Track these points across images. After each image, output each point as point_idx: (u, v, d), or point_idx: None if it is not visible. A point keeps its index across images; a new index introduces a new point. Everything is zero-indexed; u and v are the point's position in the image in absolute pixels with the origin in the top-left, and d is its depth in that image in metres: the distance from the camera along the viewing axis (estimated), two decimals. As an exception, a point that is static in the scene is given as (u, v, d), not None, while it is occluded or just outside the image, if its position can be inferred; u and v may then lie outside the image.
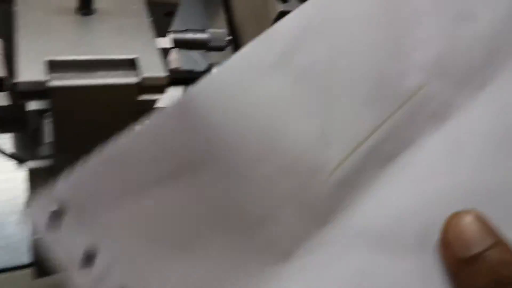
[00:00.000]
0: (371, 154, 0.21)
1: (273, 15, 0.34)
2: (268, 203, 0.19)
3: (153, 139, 0.17)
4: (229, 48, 0.36)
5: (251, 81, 0.18)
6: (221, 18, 0.42)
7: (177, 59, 0.36)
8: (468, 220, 0.20)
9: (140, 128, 0.16)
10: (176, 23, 0.41)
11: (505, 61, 0.25)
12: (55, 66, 0.19)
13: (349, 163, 0.21)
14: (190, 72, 0.36)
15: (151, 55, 0.21)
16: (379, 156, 0.22)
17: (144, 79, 0.20)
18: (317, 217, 0.20)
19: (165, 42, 0.32)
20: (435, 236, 0.20)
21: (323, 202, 0.20)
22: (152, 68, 0.21)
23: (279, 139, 0.19)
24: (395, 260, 0.20)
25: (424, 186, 0.22)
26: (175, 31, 0.33)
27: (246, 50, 0.18)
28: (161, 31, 0.27)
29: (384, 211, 0.21)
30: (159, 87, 0.21)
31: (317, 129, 0.20)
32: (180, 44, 0.33)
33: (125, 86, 0.20)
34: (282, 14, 0.33)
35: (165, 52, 0.32)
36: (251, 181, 0.18)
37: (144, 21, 0.22)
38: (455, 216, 0.21)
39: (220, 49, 0.34)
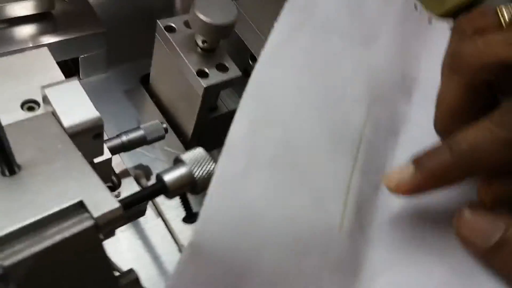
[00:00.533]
0: (362, 190, 0.23)
1: (200, 92, 0.34)
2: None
3: None
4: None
5: (240, 193, 0.20)
6: (152, 109, 0.41)
7: (120, 162, 0.35)
8: (471, 213, 0.20)
9: None
10: (112, 129, 0.40)
11: (416, 68, 0.28)
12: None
13: (349, 210, 0.22)
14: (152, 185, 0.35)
15: (95, 189, 0.20)
16: (369, 187, 0.23)
17: (99, 217, 0.19)
18: (350, 270, 0.21)
19: (102, 156, 0.31)
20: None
21: (346, 255, 0.21)
22: (103, 203, 0.20)
23: (286, 231, 0.20)
24: (431, 271, 0.21)
25: None
26: (109, 139, 0.32)
27: (219, 171, 0.20)
28: (95, 153, 0.26)
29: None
30: (118, 217, 0.20)
31: (309, 197, 0.21)
32: (118, 150, 0.32)
33: (83, 233, 0.19)
34: (207, 90, 0.33)
35: (106, 164, 0.31)
36: (280, 280, 0.19)
37: (75, 157, 0.21)
38: (459, 214, 0.21)
39: (160, 138, 0.34)
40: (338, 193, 0.22)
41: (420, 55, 0.28)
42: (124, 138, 0.32)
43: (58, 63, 0.29)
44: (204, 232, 0.18)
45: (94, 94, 0.42)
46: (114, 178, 0.35)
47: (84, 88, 0.42)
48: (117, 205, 0.20)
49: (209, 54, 0.35)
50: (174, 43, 0.35)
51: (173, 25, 0.36)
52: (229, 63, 0.35)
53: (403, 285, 0.20)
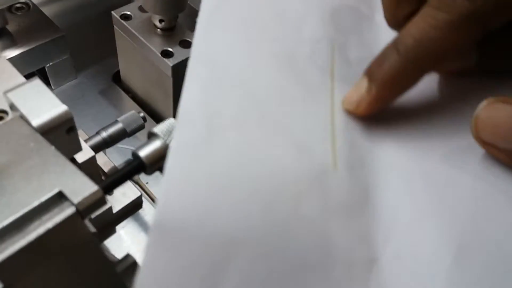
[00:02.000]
0: (348, 130, 0.21)
1: (169, 72, 0.33)
2: (311, 236, 0.17)
3: (163, 277, 0.15)
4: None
5: (203, 159, 0.18)
6: (129, 104, 0.41)
7: (107, 161, 0.35)
8: (493, 112, 0.18)
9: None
10: (93, 126, 0.40)
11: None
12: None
13: (341, 145, 0.20)
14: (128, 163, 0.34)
15: (72, 177, 0.20)
16: (354, 127, 0.21)
17: (80, 203, 0.19)
18: (359, 203, 0.19)
19: (84, 154, 0.30)
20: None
21: (350, 189, 0.19)
22: (82, 188, 0.19)
23: (269, 185, 0.18)
24: (459, 192, 0.19)
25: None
26: (89, 138, 0.32)
27: (176, 143, 0.18)
28: (72, 148, 0.25)
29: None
30: (99, 200, 0.19)
31: (292, 147, 0.19)
32: (100, 147, 0.32)
33: (67, 221, 0.19)
34: (175, 69, 0.33)
35: (91, 163, 0.31)
36: (278, 234, 0.17)
37: (49, 151, 0.21)
38: (478, 117, 0.18)
39: (140, 128, 0.33)
40: (321, 132, 0.20)
41: None
42: (104, 134, 0.32)
43: (26, 77, 0.29)
44: (169, 209, 0.16)
45: (70, 101, 0.42)
46: (103, 177, 0.35)
47: (58, 97, 0.42)
48: (95, 188, 0.19)
49: (170, 33, 0.34)
50: (132, 30, 0.34)
51: (128, 12, 0.35)
52: (192, 38, 0.34)
53: (421, 218, 0.18)
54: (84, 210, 0.19)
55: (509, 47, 0.21)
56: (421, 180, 0.19)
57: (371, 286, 0.17)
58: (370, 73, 0.20)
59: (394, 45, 0.19)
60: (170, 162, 0.17)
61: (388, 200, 0.19)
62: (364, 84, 0.20)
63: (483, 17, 0.18)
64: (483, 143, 0.19)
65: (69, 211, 0.19)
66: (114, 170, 0.35)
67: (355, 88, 0.20)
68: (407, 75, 0.19)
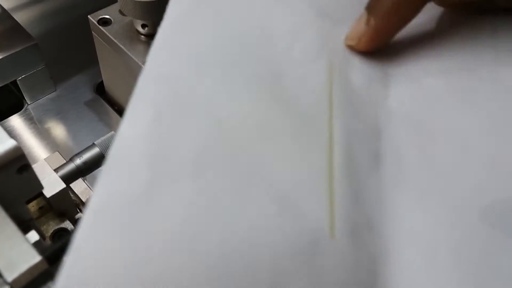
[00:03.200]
0: (351, 178, 0.15)
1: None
2: None
3: None
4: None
5: (136, 226, 0.12)
6: (115, 118, 0.36)
7: (85, 188, 0.30)
8: None
9: None
10: (73, 147, 0.35)
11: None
12: None
13: (340, 206, 0.14)
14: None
15: (10, 245, 0.15)
16: (359, 175, 0.16)
17: (17, 280, 0.14)
18: (360, 280, 0.14)
19: (54, 187, 0.26)
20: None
21: (350, 266, 0.14)
22: (20, 259, 0.15)
23: (243, 255, 0.12)
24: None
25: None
26: (60, 167, 0.27)
27: (99, 198, 0.12)
28: (28, 189, 0.21)
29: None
30: (42, 274, 0.15)
31: (272, 207, 0.13)
32: (74, 176, 0.28)
33: (-2, 306, 0.14)
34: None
35: (62, 197, 0.26)
36: None
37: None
38: None
39: (121, 151, 0.29)
40: (315, 181, 0.14)
41: None
42: (78, 161, 0.28)
43: (2, 93, 0.24)
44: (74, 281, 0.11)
45: (48, 117, 0.38)
46: (82, 207, 0.30)
47: (36, 112, 0.38)
48: (37, 259, 0.15)
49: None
50: (111, 37, 0.29)
51: (107, 16, 0.30)
52: (181, 45, 0.29)
53: None
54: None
55: None
56: (449, 254, 0.14)
57: None
58: (369, 7, 0.19)
59: None
60: (83, 225, 0.12)
61: (402, 282, 0.13)
62: (364, 18, 0.19)
63: None
64: None
65: (1, 292, 0.14)
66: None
67: (356, 23, 0.19)
68: (405, 5, 0.19)
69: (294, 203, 0.14)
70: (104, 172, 0.12)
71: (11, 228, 0.16)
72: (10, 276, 0.14)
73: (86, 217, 0.12)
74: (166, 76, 0.15)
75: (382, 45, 0.19)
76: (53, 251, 0.16)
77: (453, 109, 0.17)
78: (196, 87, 0.16)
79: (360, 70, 0.19)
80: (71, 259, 0.11)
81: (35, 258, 0.15)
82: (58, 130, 0.36)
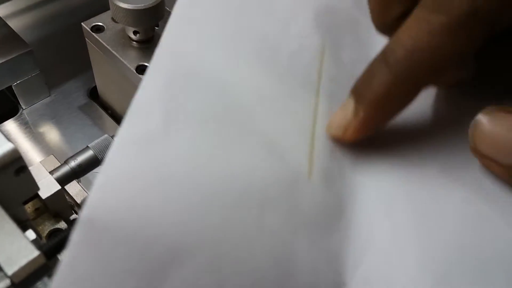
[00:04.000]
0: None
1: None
2: (271, 250, 0.15)
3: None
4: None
5: (152, 157, 0.15)
6: (108, 122, 0.37)
7: (80, 190, 0.31)
8: (491, 124, 0.16)
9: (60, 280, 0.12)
10: (68, 149, 0.36)
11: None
12: None
13: (318, 152, 0.17)
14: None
15: (9, 240, 0.16)
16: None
17: (15, 274, 0.15)
18: (331, 219, 0.16)
19: (49, 188, 0.27)
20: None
21: (324, 201, 0.16)
22: (19, 254, 0.16)
23: (229, 186, 0.15)
24: (446, 211, 0.16)
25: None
26: (55, 169, 0.28)
27: (122, 135, 0.15)
28: (25, 191, 0.22)
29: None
30: (41, 268, 0.16)
31: (262, 149, 0.16)
32: (69, 178, 0.28)
33: (-1, 298, 0.15)
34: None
35: (57, 198, 0.27)
36: (234, 245, 0.14)
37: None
38: (476, 128, 0.16)
39: (114, 154, 0.30)
40: (300, 135, 0.17)
41: None
42: (73, 163, 0.28)
43: None
44: (102, 205, 0.13)
45: (43, 121, 0.38)
46: (77, 209, 0.31)
47: (31, 117, 0.39)
48: (35, 253, 0.16)
49: (147, 45, 0.30)
50: (104, 44, 0.30)
51: (100, 23, 0.31)
52: (172, 51, 0.30)
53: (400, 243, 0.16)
54: (21, 283, 0.16)
55: (510, 56, 0.18)
56: (405, 199, 0.16)
57: None
58: (356, 92, 0.17)
59: (382, 58, 0.16)
60: (112, 152, 0.14)
61: (364, 218, 0.16)
62: (350, 106, 0.17)
63: (486, 18, 0.15)
64: (481, 156, 0.16)
65: (1, 285, 0.15)
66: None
67: (341, 111, 0.17)
68: (400, 93, 0.16)
69: (281, 150, 0.17)
70: (127, 115, 0.15)
71: (10, 225, 0.17)
72: (10, 270, 0.15)
73: (113, 147, 0.14)
74: (179, 51, 0.18)
75: (367, 135, 0.17)
76: (50, 247, 0.17)
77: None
78: (204, 59, 0.18)
79: (349, 49, 0.21)
80: (102, 178, 0.14)
81: (34, 253, 0.16)
82: (52, 134, 0.37)
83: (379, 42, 0.18)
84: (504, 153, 0.15)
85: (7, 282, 0.15)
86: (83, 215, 0.13)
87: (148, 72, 0.17)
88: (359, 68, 0.19)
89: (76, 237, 0.12)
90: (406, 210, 0.16)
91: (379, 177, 0.17)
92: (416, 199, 0.16)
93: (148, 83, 0.16)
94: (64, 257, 0.12)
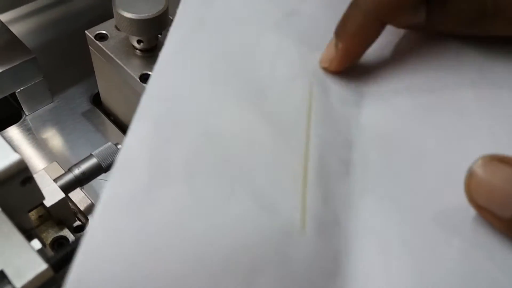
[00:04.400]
0: (323, 170, 0.18)
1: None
2: None
3: None
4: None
5: (133, 223, 0.14)
6: (111, 129, 0.37)
7: (83, 197, 0.31)
8: (487, 174, 0.16)
9: None
10: (71, 156, 0.36)
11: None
12: None
13: (311, 200, 0.17)
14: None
15: (18, 254, 0.16)
16: (330, 179, 0.18)
17: (25, 287, 0.15)
18: (325, 273, 0.16)
19: (53, 196, 0.27)
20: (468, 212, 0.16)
21: (318, 254, 0.16)
22: (27, 267, 0.16)
23: (225, 243, 0.15)
24: (441, 262, 0.16)
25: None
26: (59, 177, 0.28)
27: (105, 200, 0.14)
28: (31, 200, 0.22)
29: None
30: (48, 281, 0.16)
31: (251, 203, 0.16)
32: (73, 186, 0.29)
33: (8, 310, 0.15)
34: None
35: (61, 206, 0.27)
36: None
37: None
38: (472, 178, 0.16)
39: (117, 161, 0.30)
40: (290, 184, 0.17)
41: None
42: (77, 171, 0.29)
43: (1, 104, 0.25)
44: (89, 265, 0.13)
45: (46, 127, 0.39)
46: (80, 216, 0.31)
47: (34, 123, 0.39)
48: (43, 267, 0.16)
49: (151, 54, 0.31)
50: (108, 52, 0.30)
51: (104, 31, 0.31)
52: (175, 59, 0.31)
53: None
54: (29, 295, 0.16)
55: (459, 5, 0.21)
56: (401, 250, 0.16)
57: None
58: (337, 32, 0.21)
59: (355, 3, 0.21)
60: (96, 215, 0.14)
61: (360, 274, 0.16)
62: (333, 42, 0.21)
63: None
64: (478, 207, 0.16)
65: (10, 298, 0.15)
66: (92, 208, 0.32)
67: (327, 47, 0.21)
68: (368, 27, 0.21)
69: (271, 202, 0.16)
70: (112, 174, 0.15)
71: (18, 237, 0.17)
72: (18, 283, 0.15)
73: (98, 209, 0.14)
74: (165, 95, 0.18)
75: (350, 65, 0.21)
76: (58, 260, 0.17)
77: (416, 125, 0.20)
78: (190, 103, 0.18)
79: (336, 90, 0.21)
80: (87, 239, 0.14)
81: (42, 266, 0.16)
82: (55, 140, 0.37)
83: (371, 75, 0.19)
84: (501, 205, 0.15)
85: (16, 295, 0.15)
86: (72, 275, 0.13)
87: (135, 118, 0.17)
88: (348, 108, 0.20)
89: None
90: (403, 264, 0.16)
91: (374, 225, 0.17)
92: (413, 250, 0.16)
93: (133, 131, 0.16)
94: None
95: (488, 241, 0.16)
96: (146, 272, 0.14)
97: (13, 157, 0.20)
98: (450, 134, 0.19)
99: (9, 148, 0.21)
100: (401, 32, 0.23)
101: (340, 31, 0.21)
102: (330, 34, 0.22)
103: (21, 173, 0.21)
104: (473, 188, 0.16)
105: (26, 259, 0.16)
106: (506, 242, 0.16)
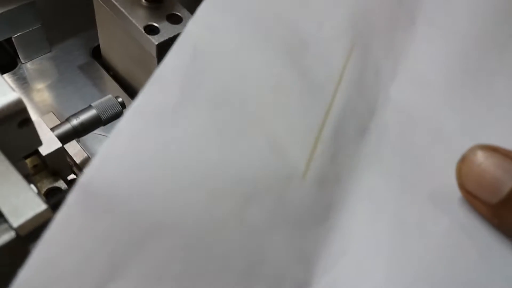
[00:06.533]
0: (338, 131, 0.18)
1: (153, 51, 0.28)
2: (244, 243, 0.15)
3: (68, 247, 0.13)
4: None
5: (160, 132, 0.15)
6: (110, 83, 0.36)
7: (79, 150, 0.30)
8: (480, 160, 0.17)
9: (46, 240, 0.13)
10: (67, 108, 0.35)
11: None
12: None
13: (318, 155, 0.18)
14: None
15: (16, 193, 0.15)
16: (343, 140, 0.19)
17: (21, 227, 0.15)
18: (314, 221, 0.17)
19: (50, 145, 0.26)
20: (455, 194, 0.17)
21: (312, 203, 0.17)
22: (25, 206, 0.15)
23: (224, 173, 0.16)
24: (427, 234, 0.17)
25: None
26: (56, 126, 0.27)
27: (137, 105, 0.15)
28: (28, 144, 0.21)
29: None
30: (47, 222, 0.15)
31: (265, 143, 0.17)
32: (70, 136, 0.28)
33: (3, 250, 0.15)
34: (160, 47, 0.28)
35: (57, 156, 0.27)
36: (212, 230, 0.15)
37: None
38: (464, 163, 0.17)
39: (117, 116, 0.29)
40: (306, 135, 0.18)
41: None
42: (75, 121, 0.28)
43: None
44: (102, 170, 0.14)
45: (42, 78, 0.37)
46: (76, 169, 0.30)
47: (30, 72, 0.37)
48: (43, 207, 0.15)
49: (157, 5, 0.29)
50: (112, 0, 0.29)
51: (109, -22, 0.30)
52: (182, 12, 0.29)
53: (376, 255, 0.17)
54: (26, 236, 0.15)
55: None
56: (391, 218, 0.17)
57: None
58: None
59: None
60: (125, 119, 0.15)
61: (347, 228, 0.17)
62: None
63: None
64: (466, 192, 0.17)
65: (6, 236, 0.15)
66: (88, 161, 0.31)
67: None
68: None
69: (283, 146, 0.17)
70: (147, 84, 0.15)
71: (16, 176, 0.16)
72: (16, 222, 0.15)
73: (127, 114, 0.15)
74: (210, 24, 0.18)
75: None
76: (54, 204, 0.16)
77: (442, 105, 0.20)
78: (232, 37, 0.18)
79: (375, 58, 0.21)
80: (108, 144, 0.14)
81: (41, 206, 0.15)
82: (50, 91, 0.36)
83: (413, 49, 0.19)
84: (489, 191, 0.16)
85: (12, 234, 0.15)
86: (82, 177, 0.13)
87: (177, 42, 0.17)
88: (381, 78, 0.20)
89: (71, 198, 0.13)
90: (389, 231, 0.17)
91: (373, 190, 0.18)
92: (402, 221, 0.17)
93: (174, 54, 0.16)
94: (57, 215, 0.13)
95: (472, 223, 0.17)
96: (154, 184, 0.14)
97: (11, 96, 0.19)
98: (474, 120, 0.19)
99: (8, 87, 0.20)
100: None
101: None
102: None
103: (19, 114, 0.20)
104: (464, 173, 0.17)
105: (25, 198, 0.15)
106: (487, 226, 0.17)
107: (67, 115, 0.29)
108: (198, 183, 0.15)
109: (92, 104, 0.28)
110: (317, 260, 0.16)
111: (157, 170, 0.15)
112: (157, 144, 0.15)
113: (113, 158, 0.14)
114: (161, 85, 0.16)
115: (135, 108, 0.15)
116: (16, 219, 0.15)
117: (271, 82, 0.18)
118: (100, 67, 0.37)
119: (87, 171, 0.13)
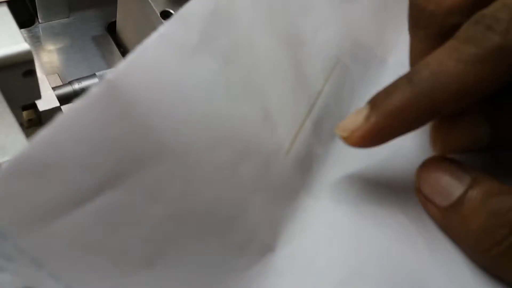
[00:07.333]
0: (317, 128, 0.20)
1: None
2: (232, 194, 0.17)
3: (78, 136, 0.13)
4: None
5: (179, 63, 0.16)
6: (119, 60, 0.37)
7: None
8: (437, 167, 0.18)
9: (58, 123, 0.13)
10: (72, 73, 0.36)
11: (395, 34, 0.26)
12: None
13: (300, 140, 0.20)
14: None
15: (7, 132, 0.16)
16: (321, 134, 0.21)
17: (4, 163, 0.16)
18: (287, 196, 0.19)
19: (48, 103, 0.27)
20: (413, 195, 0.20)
21: (288, 180, 0.19)
22: (14, 147, 0.16)
23: (226, 124, 0.17)
24: (383, 224, 0.19)
25: None
26: (58, 86, 0.28)
27: (163, 32, 0.15)
28: (28, 95, 0.22)
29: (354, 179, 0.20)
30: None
31: (260, 112, 0.18)
32: (69, 98, 0.29)
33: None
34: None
35: (54, 113, 0.28)
36: (209, 171, 0.16)
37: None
38: (423, 168, 0.19)
39: (118, 89, 0.30)
40: (294, 115, 0.20)
41: (400, 20, 0.24)
42: (76, 85, 0.29)
43: (16, 6, 0.25)
44: (127, 73, 0.14)
45: (54, 40, 0.38)
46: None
47: (45, 33, 0.38)
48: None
49: (178, -6, 0.31)
50: (137, -19, 0.30)
51: (137, -40, 0.31)
52: (200, 6, 0.31)
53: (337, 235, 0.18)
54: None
55: None
56: (351, 207, 0.19)
57: (255, 268, 0.17)
58: (373, 101, 0.18)
59: (407, 76, 0.17)
60: (150, 40, 0.15)
61: (312, 209, 0.19)
62: (364, 111, 0.17)
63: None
64: (422, 196, 0.19)
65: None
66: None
67: (353, 115, 0.18)
68: (417, 110, 0.17)
69: (274, 120, 0.18)
70: (172, 19, 0.16)
71: (10, 119, 0.17)
72: (2, 159, 0.16)
73: (154, 34, 0.15)
74: None
75: (372, 146, 0.18)
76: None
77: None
78: (248, 6, 0.19)
79: (352, 79, 0.23)
80: (136, 52, 0.14)
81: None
82: (60, 54, 0.37)
83: (382, 83, 0.20)
84: (441, 195, 0.17)
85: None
86: (110, 75, 0.13)
87: None
88: (357, 95, 0.22)
89: (95, 89, 0.13)
90: (350, 215, 0.19)
91: (339, 182, 0.20)
92: (362, 212, 0.19)
93: (198, 1, 0.17)
94: (77, 102, 0.13)
95: (426, 222, 0.19)
96: (167, 107, 0.15)
97: (21, 46, 0.20)
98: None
99: (21, 38, 0.21)
100: None
101: (378, 102, 0.17)
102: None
103: (26, 64, 0.21)
104: (422, 178, 0.18)
105: (13, 140, 0.16)
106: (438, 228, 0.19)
107: (68, 80, 0.30)
108: (205, 124, 0.16)
109: (96, 73, 0.29)
110: (284, 230, 0.18)
111: (173, 97, 0.15)
112: (175, 73, 0.15)
113: (139, 71, 0.14)
114: (184, 24, 0.16)
115: (162, 31, 0.15)
116: (1, 157, 0.16)
117: (272, 63, 0.19)
118: (112, 42, 0.38)
119: (116, 71, 0.14)
